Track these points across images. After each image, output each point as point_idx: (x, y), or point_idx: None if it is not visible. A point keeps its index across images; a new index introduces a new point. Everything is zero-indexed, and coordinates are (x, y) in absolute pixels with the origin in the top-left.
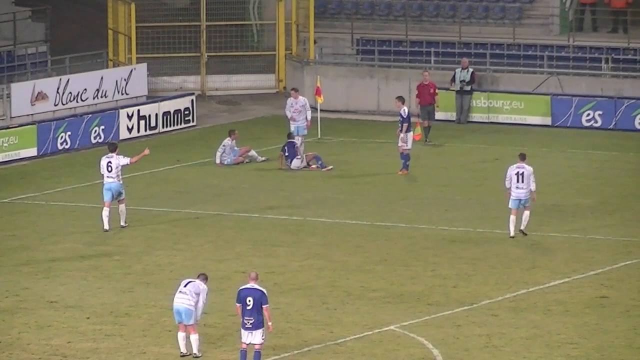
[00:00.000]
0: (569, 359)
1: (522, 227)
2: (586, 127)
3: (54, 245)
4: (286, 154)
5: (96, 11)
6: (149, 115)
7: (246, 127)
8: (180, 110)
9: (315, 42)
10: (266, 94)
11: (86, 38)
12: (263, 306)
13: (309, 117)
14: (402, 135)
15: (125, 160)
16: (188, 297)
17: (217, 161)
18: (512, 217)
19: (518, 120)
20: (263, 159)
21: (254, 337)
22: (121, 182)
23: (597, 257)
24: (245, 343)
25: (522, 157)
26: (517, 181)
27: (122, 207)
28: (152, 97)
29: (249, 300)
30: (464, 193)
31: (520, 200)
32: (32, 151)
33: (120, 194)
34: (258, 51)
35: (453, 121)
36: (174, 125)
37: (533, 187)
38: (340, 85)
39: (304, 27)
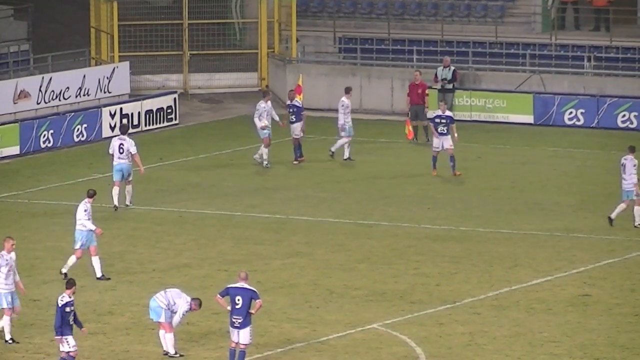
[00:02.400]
0: (552, 357)
1: (636, 223)
2: (568, 126)
3: (36, 243)
4: (292, 116)
5: (78, 9)
6: (132, 114)
7: (228, 126)
8: (162, 108)
9: (297, 40)
10: (248, 92)
11: (68, 36)
12: (256, 301)
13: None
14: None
15: (134, 150)
16: (164, 297)
17: (258, 125)
18: (621, 205)
19: (500, 118)
20: (267, 164)
21: (241, 337)
22: (131, 163)
23: (579, 256)
24: (234, 342)
25: (630, 150)
26: (622, 172)
27: (129, 187)
28: (135, 95)
29: (238, 300)
30: (447, 191)
31: (625, 191)
32: (15, 149)
33: (129, 174)
34: (240, 49)
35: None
36: (156, 123)
37: (634, 179)
38: (323, 84)
39: (286, 25)
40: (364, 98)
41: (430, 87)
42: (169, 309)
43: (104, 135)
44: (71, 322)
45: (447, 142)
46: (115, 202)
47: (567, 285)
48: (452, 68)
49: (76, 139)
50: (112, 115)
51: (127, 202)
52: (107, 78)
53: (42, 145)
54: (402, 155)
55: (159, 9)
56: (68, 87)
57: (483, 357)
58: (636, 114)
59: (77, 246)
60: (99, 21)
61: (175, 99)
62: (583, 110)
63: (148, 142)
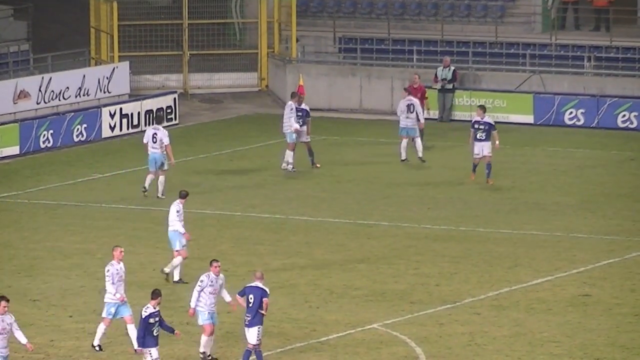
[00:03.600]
0: (552, 357)
1: None
2: (568, 126)
3: (36, 243)
4: (298, 114)
5: (78, 9)
6: (132, 114)
7: (228, 126)
8: (162, 108)
9: (297, 40)
10: (248, 92)
11: (68, 36)
12: (263, 299)
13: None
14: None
15: (166, 140)
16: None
17: (293, 127)
18: None
19: (500, 118)
20: (293, 168)
21: (249, 336)
22: (164, 153)
23: (579, 256)
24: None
25: None
26: None
27: (162, 178)
28: (135, 95)
29: (251, 298)
30: (446, 191)
31: None
32: (15, 149)
33: (162, 164)
34: (240, 49)
35: (435, 119)
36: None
37: None
38: (323, 84)
39: (286, 25)
40: (363, 98)
41: (430, 88)
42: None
43: (103, 136)
44: (155, 334)
45: (487, 149)
46: (145, 184)
47: (567, 285)
48: (452, 68)
49: (76, 139)
50: (112, 116)
51: (159, 194)
52: (107, 78)
53: (42, 145)
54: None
55: (158, 9)
56: (68, 87)
57: (483, 357)
58: (636, 114)
59: (178, 247)
60: (98, 21)
61: (175, 99)
62: (583, 110)
63: None
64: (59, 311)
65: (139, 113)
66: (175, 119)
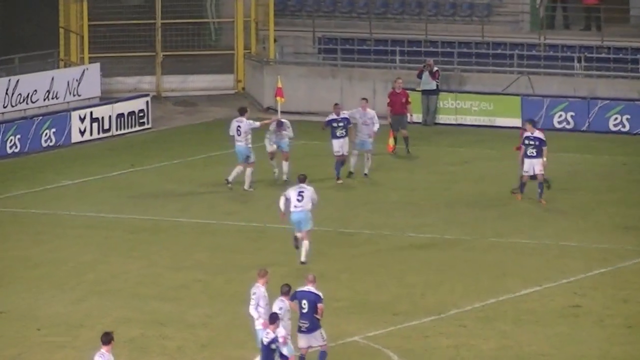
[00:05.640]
0: None
1: None
2: (558, 129)
3: (4, 252)
4: (339, 124)
5: (47, 9)
6: (102, 118)
7: (204, 130)
8: (134, 112)
9: (275, 40)
10: (224, 94)
11: (37, 37)
12: (318, 305)
13: (375, 129)
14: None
15: (255, 124)
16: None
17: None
18: None
19: (487, 122)
20: (285, 178)
21: (314, 340)
22: (249, 146)
23: (570, 265)
24: (304, 348)
25: None
26: None
27: (248, 171)
28: (106, 98)
29: (304, 304)
30: (431, 197)
31: None
32: None
33: (248, 157)
34: (216, 50)
35: (419, 123)
36: (128, 127)
37: None
38: (302, 86)
39: (264, 25)
40: (345, 100)
41: (413, 90)
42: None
43: (73, 140)
44: None
45: (538, 167)
46: (230, 177)
47: (556, 296)
48: (435, 68)
49: (44, 144)
50: (82, 119)
51: (245, 187)
52: (77, 80)
53: (9, 151)
54: (385, 160)
55: (130, 8)
56: (36, 90)
57: None
58: (628, 116)
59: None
60: (68, 21)
61: (147, 102)
62: (573, 113)
63: (119, 148)
64: (27, 323)
65: (110, 117)
66: (148, 122)
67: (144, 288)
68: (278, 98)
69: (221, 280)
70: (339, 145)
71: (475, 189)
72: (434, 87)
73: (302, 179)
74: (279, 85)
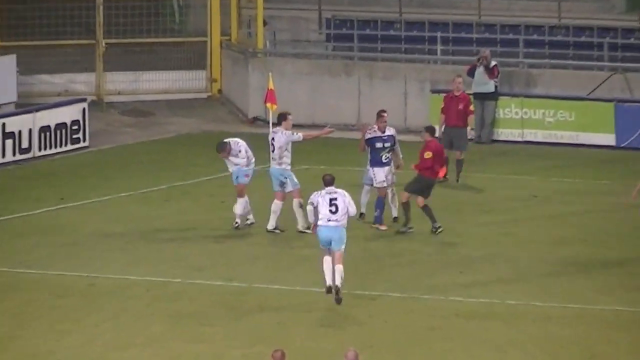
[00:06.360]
0: None
1: None
2: None
3: None
4: (385, 144)
5: None
6: (20, 132)
7: (164, 150)
8: (65, 124)
9: (265, 23)
10: (193, 99)
11: None
12: None
13: (398, 154)
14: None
15: (297, 136)
16: None
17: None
18: None
19: (566, 138)
20: (249, 221)
21: None
22: (287, 167)
23: None
24: None
25: None
26: None
27: (294, 203)
28: (24, 105)
29: None
30: (486, 247)
31: None
32: None
33: (283, 184)
34: (181, 37)
35: (471, 140)
36: (56, 146)
37: None
38: (303, 87)
39: (249, 1)
40: (363, 108)
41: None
42: None
43: None
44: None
45: None
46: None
47: None
48: (493, 62)
49: None
50: None
51: (299, 226)
52: None
53: None
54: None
55: None
56: None
57: None
58: None
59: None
60: None
61: (84, 109)
62: None
63: (44, 175)
64: None
65: (30, 131)
66: (84, 139)
67: None
68: (268, 104)
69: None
70: (384, 175)
71: (549, 234)
72: (492, 89)
73: (330, 181)
74: (270, 86)
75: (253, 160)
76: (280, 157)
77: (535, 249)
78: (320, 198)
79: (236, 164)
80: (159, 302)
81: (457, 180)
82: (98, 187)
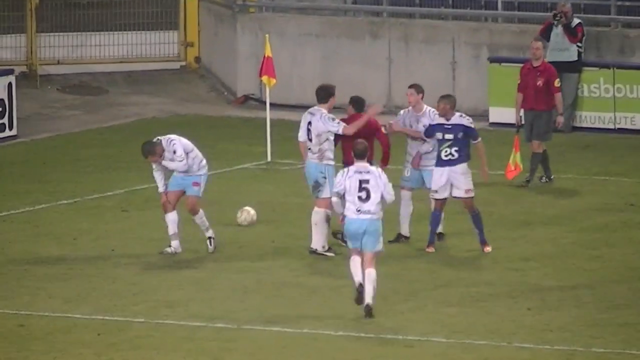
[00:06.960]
0: None
1: None
2: None
3: None
4: (447, 135)
5: None
6: None
7: (122, 140)
8: None
9: None
10: (161, 71)
11: None
12: None
13: (423, 149)
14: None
15: (336, 125)
16: None
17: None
18: None
19: None
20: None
21: None
22: (327, 163)
23: None
24: None
25: None
26: None
27: (317, 217)
28: None
29: None
30: (564, 275)
31: None
32: None
33: (318, 184)
34: None
35: (556, 130)
36: None
37: None
38: (312, 55)
39: None
40: (394, 84)
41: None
42: None
43: None
44: None
45: None
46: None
47: None
48: (576, 21)
49: None
50: None
51: (317, 247)
52: None
53: None
54: (477, 198)
55: None
56: None
57: None
58: None
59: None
60: None
61: (10, 85)
62: None
63: None
64: None
65: None
66: (10, 126)
67: None
68: (265, 78)
69: None
70: (444, 178)
71: None
72: (574, 57)
73: (362, 152)
74: (267, 53)
75: (203, 162)
76: (321, 150)
77: (633, 277)
78: (348, 180)
79: (176, 170)
80: (115, 350)
81: (528, 181)
82: (30, 192)
